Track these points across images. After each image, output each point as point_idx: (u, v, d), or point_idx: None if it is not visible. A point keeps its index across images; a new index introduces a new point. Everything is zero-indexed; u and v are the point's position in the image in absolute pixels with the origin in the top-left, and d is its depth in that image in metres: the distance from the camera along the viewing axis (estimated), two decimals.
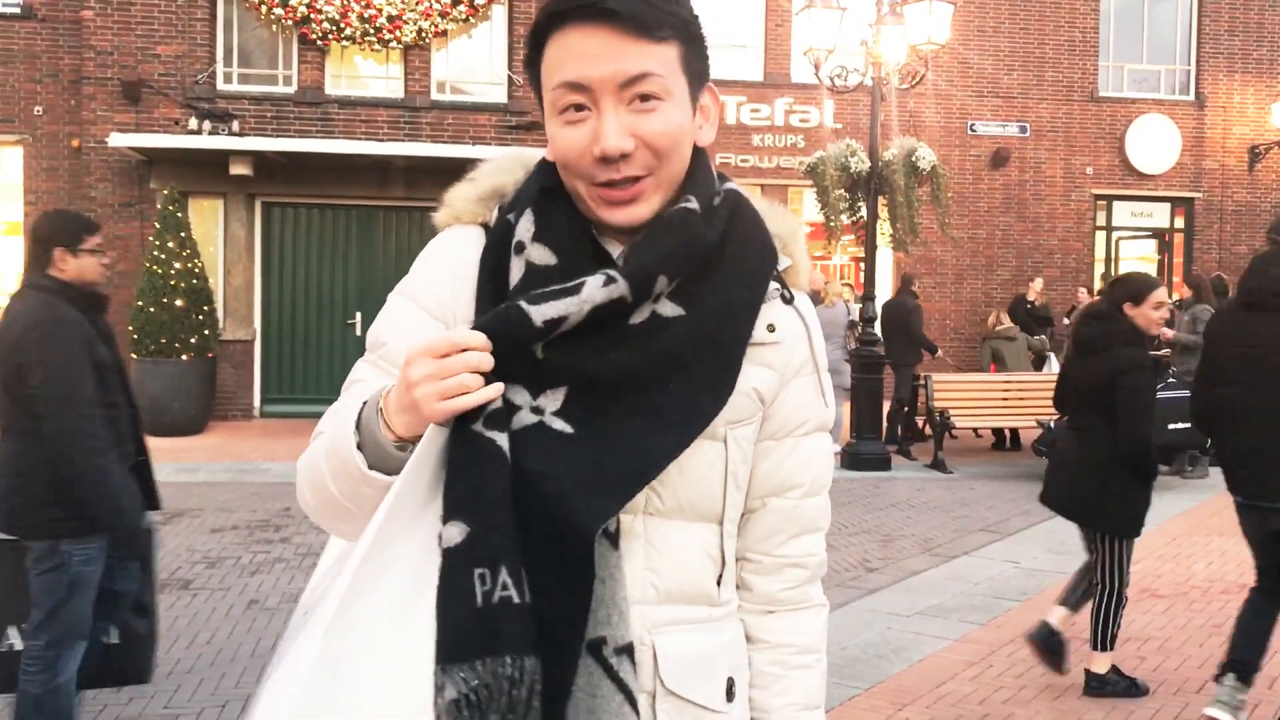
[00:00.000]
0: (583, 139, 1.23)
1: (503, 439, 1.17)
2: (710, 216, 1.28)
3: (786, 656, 1.40)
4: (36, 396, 3.46)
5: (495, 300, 1.26)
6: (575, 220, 1.29)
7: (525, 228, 1.28)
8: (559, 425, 1.21)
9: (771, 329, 1.33)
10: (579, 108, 1.23)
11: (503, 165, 1.39)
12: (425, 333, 1.29)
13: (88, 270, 3.67)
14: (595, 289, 1.20)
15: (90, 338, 3.60)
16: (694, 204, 1.27)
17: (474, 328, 1.19)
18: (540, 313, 1.19)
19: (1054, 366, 13.35)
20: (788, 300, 1.36)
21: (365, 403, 1.23)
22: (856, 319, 11.36)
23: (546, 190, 1.30)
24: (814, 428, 1.40)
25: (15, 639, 3.77)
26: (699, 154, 1.32)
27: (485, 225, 1.35)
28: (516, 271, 1.27)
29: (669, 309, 1.25)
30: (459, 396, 1.14)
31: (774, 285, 1.34)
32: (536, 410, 1.21)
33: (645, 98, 1.23)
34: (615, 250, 1.29)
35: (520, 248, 1.27)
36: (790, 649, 1.40)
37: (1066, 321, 14.70)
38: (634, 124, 1.23)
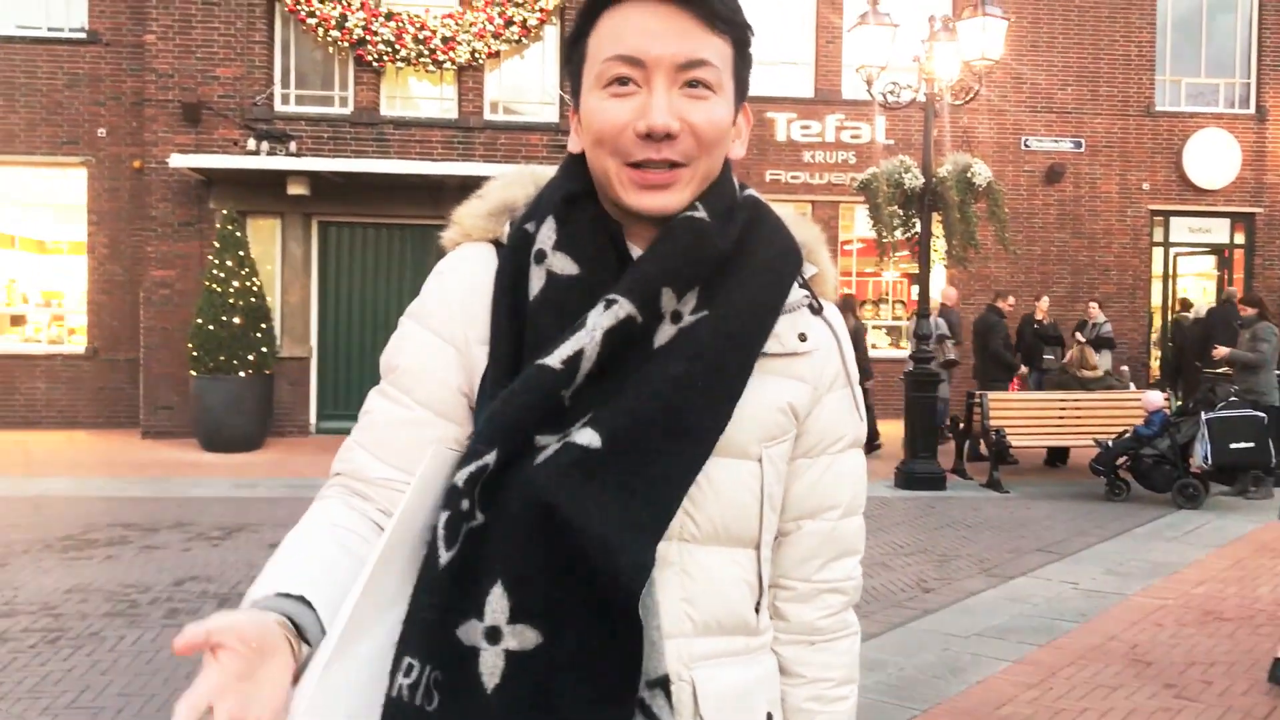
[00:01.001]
0: (626, 113, 1.18)
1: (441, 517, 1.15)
2: (723, 224, 1.23)
3: (824, 691, 1.34)
4: None
5: (513, 314, 1.22)
6: (601, 228, 1.24)
7: (547, 235, 1.22)
8: (584, 439, 1.15)
9: (803, 338, 1.27)
10: (626, 81, 1.19)
11: (512, 180, 1.34)
12: (435, 355, 1.27)
13: None
14: (599, 316, 1.16)
15: None
16: (701, 212, 1.21)
17: (499, 402, 1.16)
18: (556, 356, 1.15)
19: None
20: (816, 310, 1.30)
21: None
22: (947, 333, 11.25)
23: (571, 197, 1.25)
24: (849, 444, 1.34)
25: None
26: (725, 166, 1.28)
27: (496, 242, 1.29)
28: (537, 281, 1.21)
29: (691, 320, 1.20)
30: None
31: (802, 293, 1.29)
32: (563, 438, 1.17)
33: (697, 84, 1.19)
34: None
35: (541, 256, 1.22)
36: (828, 683, 1.34)
37: (1079, 337, 14.32)
38: (683, 108, 1.18)
